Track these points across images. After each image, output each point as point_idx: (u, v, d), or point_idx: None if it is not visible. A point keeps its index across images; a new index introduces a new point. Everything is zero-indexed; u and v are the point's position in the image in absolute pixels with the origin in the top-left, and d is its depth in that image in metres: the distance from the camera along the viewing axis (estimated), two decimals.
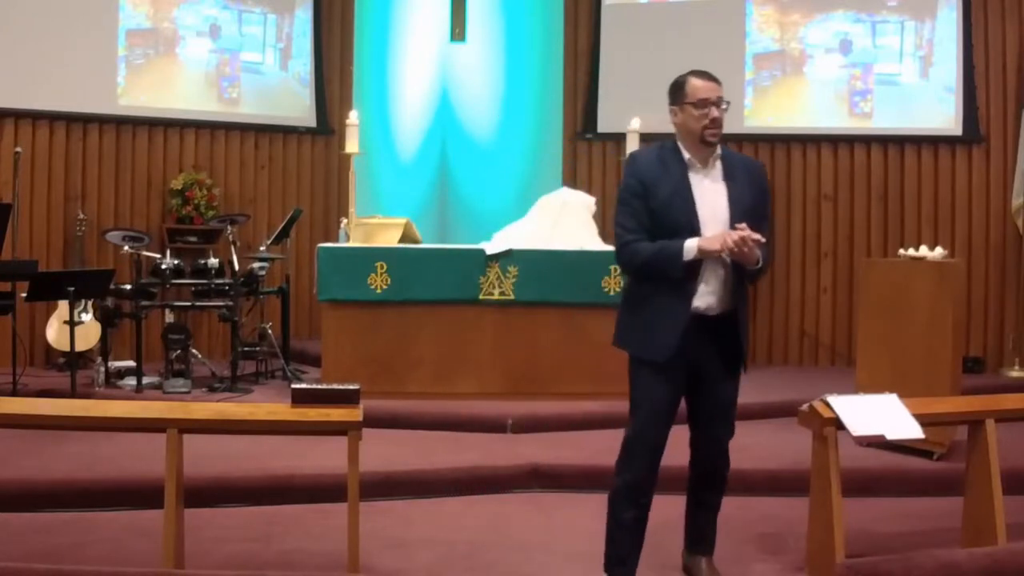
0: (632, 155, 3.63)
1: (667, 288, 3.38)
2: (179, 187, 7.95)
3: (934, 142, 8.00)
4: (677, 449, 3.72)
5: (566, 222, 6.58)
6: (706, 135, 3.40)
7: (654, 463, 3.48)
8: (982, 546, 3.65)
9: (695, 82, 3.43)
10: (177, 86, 8.08)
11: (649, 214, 3.39)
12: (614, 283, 6.18)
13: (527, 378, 6.24)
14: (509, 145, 8.82)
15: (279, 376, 6.89)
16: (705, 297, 3.41)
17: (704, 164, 3.46)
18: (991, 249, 7.88)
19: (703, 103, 3.38)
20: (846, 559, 3.47)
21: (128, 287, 6.63)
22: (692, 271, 3.36)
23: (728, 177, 3.46)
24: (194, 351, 6.84)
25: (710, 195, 3.42)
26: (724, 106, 3.41)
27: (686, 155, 3.45)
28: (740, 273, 3.44)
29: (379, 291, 6.25)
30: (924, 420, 3.65)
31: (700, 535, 3.73)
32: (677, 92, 3.47)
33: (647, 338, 3.44)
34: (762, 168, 3.66)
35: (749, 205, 3.43)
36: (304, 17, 8.59)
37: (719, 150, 3.48)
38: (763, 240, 3.33)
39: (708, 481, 3.68)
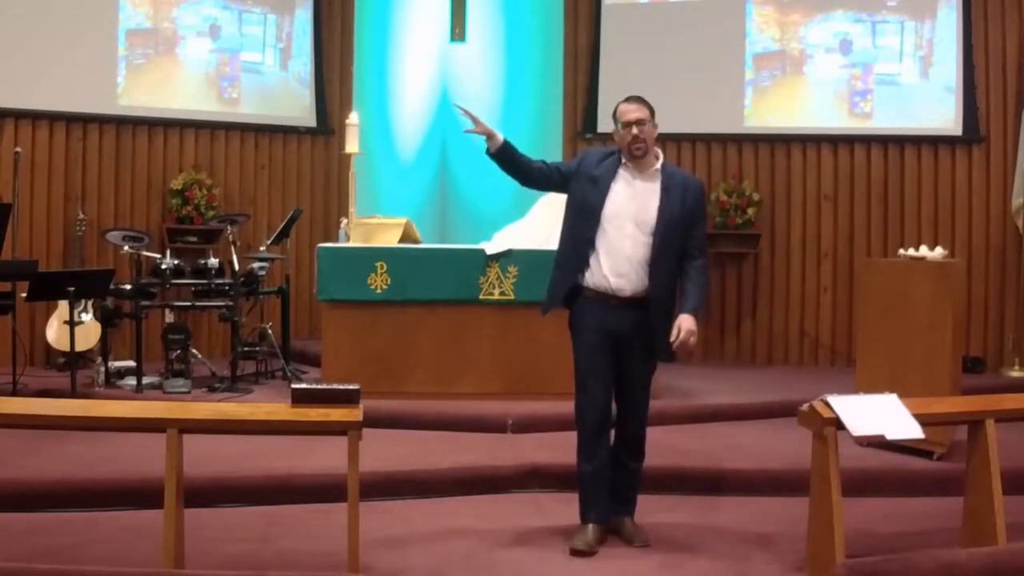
0: (588, 148, 4.25)
1: (565, 266, 4.12)
2: (179, 187, 7.95)
3: (934, 142, 8.00)
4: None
5: None
6: (631, 150, 4.04)
7: (599, 423, 4.05)
8: (982, 546, 3.65)
9: (622, 106, 4.11)
10: (177, 86, 8.08)
11: (562, 178, 4.14)
12: None
13: (527, 378, 6.24)
14: None
15: (279, 376, 6.89)
16: (614, 279, 4.00)
17: (641, 171, 4.07)
18: (991, 249, 7.87)
19: (627, 124, 4.04)
20: (846, 559, 3.47)
21: (128, 287, 6.63)
22: (583, 253, 4.02)
23: (664, 188, 4.05)
24: (194, 351, 6.84)
25: (642, 197, 4.03)
26: (646, 125, 4.02)
27: (623, 160, 4.09)
28: (666, 264, 4.00)
29: (379, 291, 6.25)
30: (924, 420, 3.65)
31: (623, 497, 4.21)
32: (613, 116, 4.14)
33: (547, 297, 4.22)
34: (699, 187, 4.21)
35: (676, 216, 4.02)
36: (304, 17, 8.59)
37: (659, 164, 4.09)
38: None
39: (627, 447, 4.19)
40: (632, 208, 4.02)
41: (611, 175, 4.06)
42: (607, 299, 4.02)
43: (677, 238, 4.02)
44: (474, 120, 4.09)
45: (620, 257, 3.99)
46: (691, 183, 4.15)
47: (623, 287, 4.00)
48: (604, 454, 4.10)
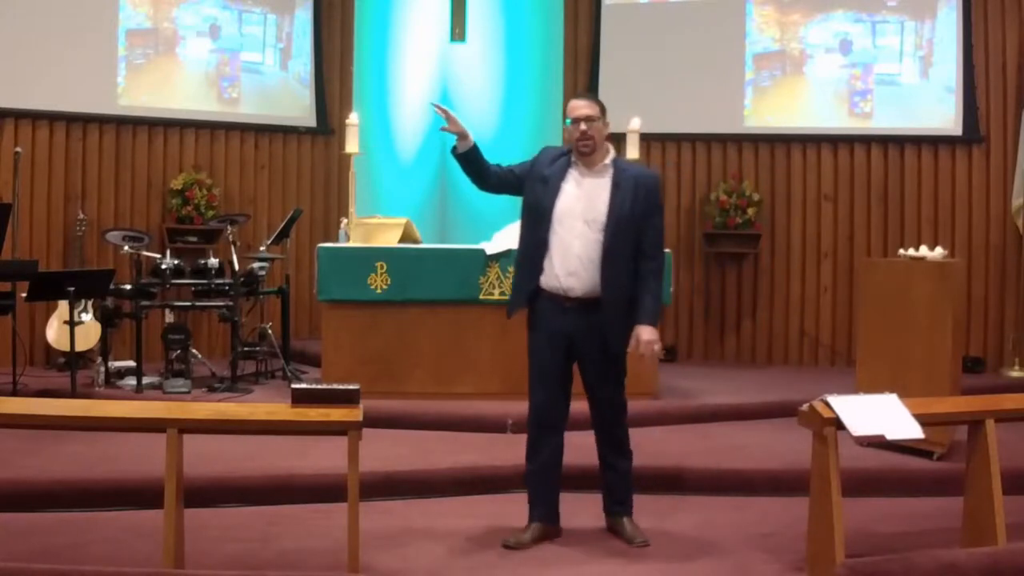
0: (544, 147, 4.25)
1: (524, 268, 4.12)
2: (179, 187, 7.95)
3: (934, 142, 8.00)
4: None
5: None
6: (578, 146, 4.03)
7: (544, 425, 4.12)
8: (982, 546, 3.65)
9: (571, 102, 4.12)
10: (177, 86, 8.08)
11: (517, 180, 4.13)
12: None
13: (527, 378, 6.22)
14: (509, 145, 8.78)
15: (279, 376, 6.89)
16: (564, 278, 3.99)
17: (590, 168, 4.05)
18: (991, 249, 7.87)
19: (575, 120, 4.02)
20: (846, 559, 3.47)
21: (128, 287, 6.63)
22: (538, 254, 4.02)
23: (615, 184, 4.02)
24: (194, 351, 6.84)
25: (591, 194, 4.01)
26: (595, 122, 4.00)
27: (573, 158, 4.07)
28: (620, 262, 3.97)
29: (379, 291, 6.25)
30: (924, 420, 3.65)
31: (618, 497, 4.23)
32: (565, 111, 4.14)
33: (511, 299, 4.24)
34: (654, 180, 4.15)
35: (628, 211, 3.98)
36: (304, 17, 8.59)
37: (609, 159, 4.06)
38: None
39: (609, 447, 4.21)
40: (580, 206, 4.00)
41: (561, 174, 4.05)
42: (560, 300, 4.02)
43: (630, 234, 3.99)
44: (449, 119, 4.07)
45: (570, 255, 3.99)
46: (644, 177, 4.10)
47: (573, 286, 3.99)
48: (549, 455, 4.14)
